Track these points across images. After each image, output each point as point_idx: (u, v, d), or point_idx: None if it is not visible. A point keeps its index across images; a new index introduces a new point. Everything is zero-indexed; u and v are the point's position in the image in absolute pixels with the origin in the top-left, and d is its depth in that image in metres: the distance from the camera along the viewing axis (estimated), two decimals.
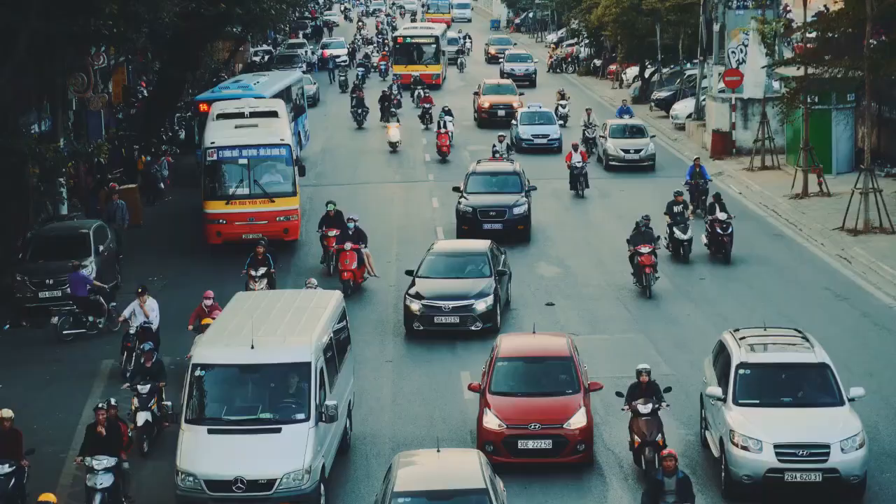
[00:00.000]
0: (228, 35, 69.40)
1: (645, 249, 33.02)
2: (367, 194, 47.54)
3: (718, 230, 35.86)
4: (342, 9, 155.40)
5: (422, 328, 30.35)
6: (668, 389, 22.85)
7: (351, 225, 34.62)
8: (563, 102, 62.46)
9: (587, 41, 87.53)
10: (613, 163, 50.21)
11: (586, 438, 22.67)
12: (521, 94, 64.92)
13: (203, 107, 46.98)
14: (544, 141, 54.74)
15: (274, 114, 41.26)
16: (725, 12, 53.02)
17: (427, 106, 61.99)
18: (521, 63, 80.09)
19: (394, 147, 55.32)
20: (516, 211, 38.98)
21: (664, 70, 68.88)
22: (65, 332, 31.06)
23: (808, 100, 43.42)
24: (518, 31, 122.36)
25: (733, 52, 52.13)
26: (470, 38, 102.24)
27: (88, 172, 44.66)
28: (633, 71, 74.64)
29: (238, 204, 37.75)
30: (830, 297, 32.85)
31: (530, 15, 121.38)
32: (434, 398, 26.65)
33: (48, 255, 34.02)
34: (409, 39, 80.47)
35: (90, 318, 31.23)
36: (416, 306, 30.39)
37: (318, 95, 72.49)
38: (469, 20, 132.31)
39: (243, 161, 38.01)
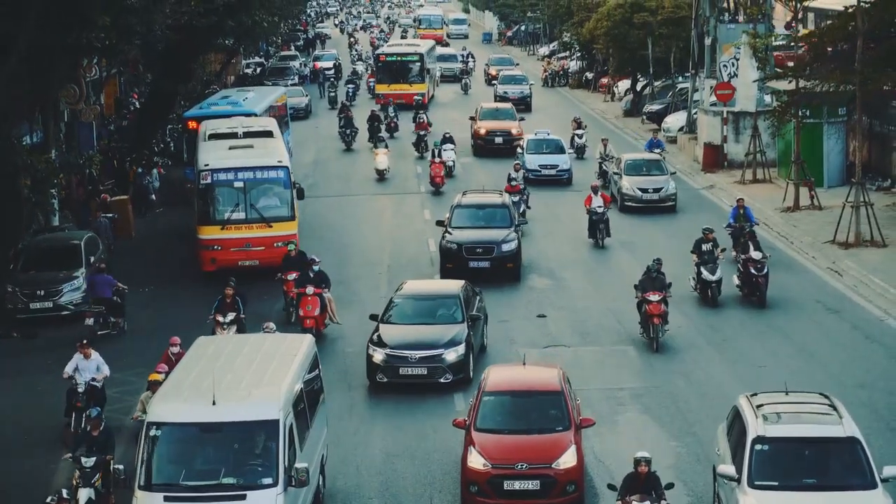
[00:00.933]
0: (220, 47, 69.56)
1: (654, 297, 29.54)
2: (359, 205, 47.57)
3: (752, 270, 32.75)
4: (336, 22, 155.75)
5: (385, 380, 27.54)
6: (671, 486, 19.99)
7: (316, 268, 31.67)
8: (579, 132, 56.10)
9: (579, 54, 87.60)
10: (629, 203, 44.73)
11: (577, 478, 21.21)
12: (521, 119, 59.80)
13: (191, 124, 45.24)
14: (553, 172, 49.84)
15: (269, 133, 40.00)
16: (717, 26, 53.17)
17: (422, 133, 57.35)
18: (515, 85, 75.32)
19: (381, 175, 51.75)
20: (505, 247, 35.77)
21: (656, 83, 68.97)
22: (99, 332, 30.82)
23: (800, 113, 43.54)
24: (510, 45, 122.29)
25: (725, 65, 52.20)
26: (473, 56, 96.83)
27: (80, 184, 44.64)
28: (624, 84, 74.68)
29: (234, 229, 35.98)
30: (821, 309, 32.87)
31: (522, 28, 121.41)
32: (426, 409, 26.52)
33: (39, 266, 34.17)
34: (391, 58, 75.66)
35: (112, 319, 31.23)
36: (379, 356, 27.54)
37: (309, 107, 72.13)
38: (466, 36, 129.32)
39: (239, 184, 36.13)
